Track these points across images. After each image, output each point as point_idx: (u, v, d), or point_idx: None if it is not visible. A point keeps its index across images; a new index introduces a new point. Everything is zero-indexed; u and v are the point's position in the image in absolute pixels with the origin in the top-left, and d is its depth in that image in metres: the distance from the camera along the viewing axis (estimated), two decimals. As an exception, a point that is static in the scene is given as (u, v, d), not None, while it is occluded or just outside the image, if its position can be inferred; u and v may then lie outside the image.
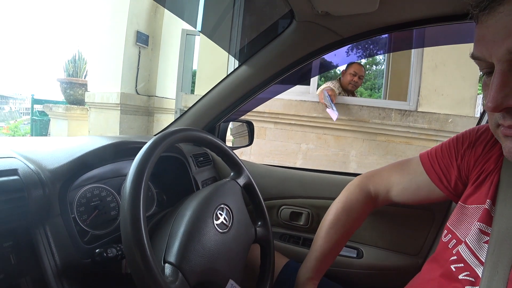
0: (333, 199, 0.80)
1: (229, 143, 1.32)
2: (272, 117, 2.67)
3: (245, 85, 0.96)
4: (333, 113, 2.31)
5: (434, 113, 2.40)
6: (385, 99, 3.51)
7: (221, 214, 0.58)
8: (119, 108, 4.11)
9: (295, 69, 0.92)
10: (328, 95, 2.38)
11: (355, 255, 0.97)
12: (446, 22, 0.79)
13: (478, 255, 0.47)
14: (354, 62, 2.67)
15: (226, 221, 0.58)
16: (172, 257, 0.47)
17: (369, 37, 0.85)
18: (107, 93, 4.22)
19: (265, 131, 2.71)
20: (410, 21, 0.80)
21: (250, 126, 1.24)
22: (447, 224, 0.57)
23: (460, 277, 0.48)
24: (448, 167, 0.62)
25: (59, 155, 0.60)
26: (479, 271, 0.46)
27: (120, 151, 0.68)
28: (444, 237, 0.56)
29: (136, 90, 4.32)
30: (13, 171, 0.48)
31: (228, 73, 0.99)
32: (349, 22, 0.80)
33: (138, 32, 4.27)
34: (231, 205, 0.62)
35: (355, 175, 1.06)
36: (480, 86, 2.51)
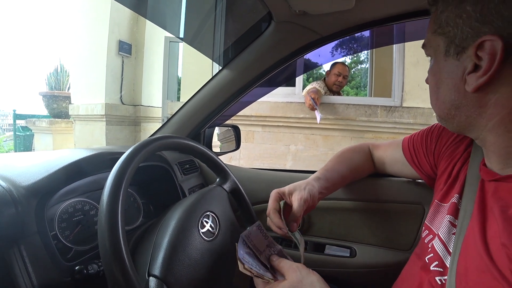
0: (324, 199, 0.79)
1: (216, 149, 1.30)
2: (259, 120, 2.67)
3: (228, 89, 0.94)
4: (318, 116, 2.32)
5: (419, 107, 2.43)
6: (371, 96, 3.55)
7: (206, 222, 0.56)
8: (104, 119, 4.04)
9: (277, 70, 0.91)
10: (312, 98, 2.38)
11: (348, 255, 0.96)
12: (422, 17, 0.80)
13: (448, 246, 0.49)
14: (338, 62, 2.68)
15: (213, 228, 0.56)
16: (156, 270, 0.45)
17: (348, 35, 0.85)
18: (92, 104, 4.14)
19: (253, 134, 2.70)
20: (387, 17, 0.80)
21: (236, 130, 1.22)
22: (425, 221, 0.61)
23: (431, 268, 0.50)
24: (418, 148, 0.71)
25: (35, 170, 0.58)
26: (447, 261, 0.47)
27: (99, 162, 0.66)
28: (423, 233, 0.60)
29: (121, 100, 4.25)
30: (-19, 190, 0.45)
31: (210, 79, 0.98)
32: (327, 21, 0.80)
33: (120, 42, 4.21)
34: (217, 211, 0.60)
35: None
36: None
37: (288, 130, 2.63)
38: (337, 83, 2.62)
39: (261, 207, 1.02)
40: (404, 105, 2.50)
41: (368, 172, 0.88)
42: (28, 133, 5.53)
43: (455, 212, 0.52)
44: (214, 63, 2.89)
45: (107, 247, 0.38)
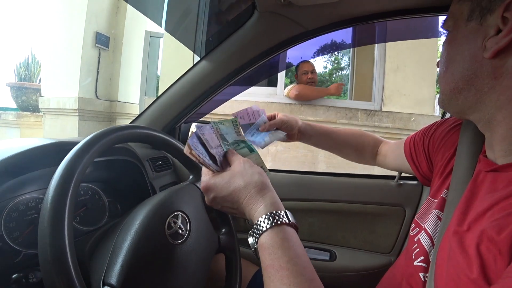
0: (305, 200, 0.76)
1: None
2: (240, 120, 2.61)
3: (206, 82, 0.89)
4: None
5: (398, 112, 2.47)
6: (351, 100, 3.60)
7: (175, 223, 0.50)
8: (77, 114, 3.83)
9: (258, 64, 0.87)
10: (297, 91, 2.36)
11: (328, 258, 0.93)
12: (409, 15, 0.78)
13: (434, 240, 0.49)
14: (300, 63, 2.69)
15: (182, 230, 0.50)
16: (112, 278, 0.39)
17: (334, 30, 0.82)
18: (64, 98, 3.92)
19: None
20: (374, 14, 0.78)
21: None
22: (415, 218, 0.59)
23: (415, 263, 0.50)
24: (418, 145, 0.70)
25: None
26: (431, 256, 0.46)
27: (57, 152, 0.58)
28: (412, 231, 0.58)
29: (96, 94, 4.05)
30: None
31: (187, 70, 0.91)
32: (313, 13, 0.76)
33: (97, 33, 4.02)
34: (189, 211, 0.54)
35: (326, 174, 1.04)
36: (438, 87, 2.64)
37: (269, 130, 2.59)
38: (309, 80, 2.62)
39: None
40: (383, 109, 2.53)
41: (366, 158, 0.88)
42: (-8, 127, 5.17)
43: (442, 206, 0.51)
44: (195, 60, 2.81)
45: (48, 256, 0.32)
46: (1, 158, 0.51)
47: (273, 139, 0.80)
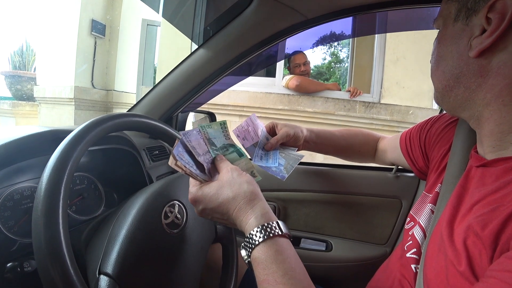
0: (300, 190, 0.76)
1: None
2: (237, 110, 2.59)
3: (203, 71, 0.87)
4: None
5: (396, 105, 2.47)
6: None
7: (171, 212, 0.50)
8: (73, 103, 3.79)
9: (257, 53, 0.85)
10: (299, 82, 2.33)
11: (324, 248, 0.93)
12: (411, 5, 0.77)
13: (426, 232, 0.50)
14: (291, 55, 2.65)
15: (178, 219, 0.50)
16: (108, 267, 0.38)
17: (334, 19, 0.81)
18: (60, 87, 3.86)
19: (229, 124, 2.61)
20: (375, 3, 0.77)
21: (212, 117, 1.15)
22: (410, 212, 0.60)
23: (408, 255, 0.50)
24: (414, 140, 0.70)
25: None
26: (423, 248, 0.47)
27: (53, 140, 0.57)
28: (407, 224, 0.59)
29: (92, 83, 4.00)
30: None
31: (184, 58, 0.90)
32: (313, 1, 0.75)
33: (93, 21, 3.94)
34: (185, 201, 0.54)
35: (320, 165, 1.03)
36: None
37: (266, 121, 2.55)
38: (302, 72, 2.60)
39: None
40: (382, 101, 2.53)
41: (366, 157, 0.89)
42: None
43: (436, 200, 0.51)
44: (192, 48, 2.77)
45: (42, 245, 0.31)
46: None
47: (292, 163, 0.73)
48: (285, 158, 0.76)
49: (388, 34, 2.59)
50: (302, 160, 0.79)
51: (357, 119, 2.48)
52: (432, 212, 0.51)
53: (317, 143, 0.84)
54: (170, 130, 0.59)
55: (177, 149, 0.44)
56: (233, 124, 2.63)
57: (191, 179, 0.47)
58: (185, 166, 0.43)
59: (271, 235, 0.39)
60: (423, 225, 0.52)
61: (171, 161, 0.43)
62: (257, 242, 0.39)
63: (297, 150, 0.80)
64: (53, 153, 0.58)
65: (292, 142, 0.79)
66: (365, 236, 0.95)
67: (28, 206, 0.59)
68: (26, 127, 0.67)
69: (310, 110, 2.46)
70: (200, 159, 0.46)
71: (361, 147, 0.88)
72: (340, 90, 2.65)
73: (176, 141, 0.45)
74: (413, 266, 0.48)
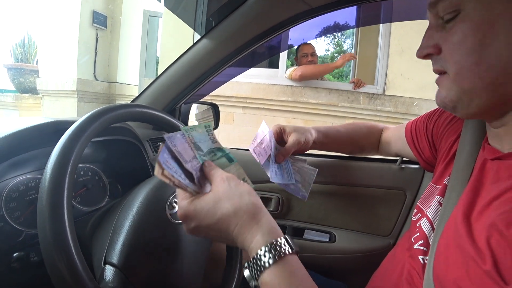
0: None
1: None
2: (240, 102, 2.58)
3: (206, 61, 0.86)
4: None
5: (400, 96, 2.45)
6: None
7: (176, 203, 0.49)
8: (76, 95, 3.79)
9: (261, 42, 0.84)
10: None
11: (327, 240, 0.94)
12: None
13: (434, 225, 0.49)
14: (300, 45, 2.63)
15: (183, 210, 0.50)
16: (114, 257, 0.39)
17: (339, 8, 0.79)
18: (62, 79, 3.86)
19: (232, 116, 2.62)
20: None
21: (215, 108, 1.15)
22: (418, 203, 0.59)
23: (415, 246, 0.50)
24: (420, 130, 0.69)
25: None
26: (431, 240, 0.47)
27: (54, 132, 0.57)
28: (414, 216, 0.58)
29: (94, 76, 4.00)
30: None
31: (188, 48, 0.89)
32: (318, -11, 0.73)
33: (94, 12, 3.91)
34: (190, 191, 0.54)
35: (325, 156, 1.03)
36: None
37: (269, 112, 2.57)
38: (309, 62, 2.58)
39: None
40: (386, 93, 2.50)
41: (369, 150, 0.87)
42: (-10, 109, 5.12)
43: (444, 192, 0.50)
44: (195, 39, 2.75)
45: (48, 236, 0.31)
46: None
47: (308, 180, 0.69)
48: (299, 172, 0.71)
49: (393, 25, 2.55)
50: (307, 152, 0.78)
51: (361, 110, 2.46)
52: (440, 204, 0.50)
53: (324, 143, 0.81)
54: (173, 120, 0.59)
55: (163, 156, 0.39)
56: (236, 115, 2.63)
57: (179, 191, 0.41)
58: (173, 176, 0.38)
59: (282, 254, 0.34)
60: (431, 218, 0.51)
61: (157, 171, 0.38)
62: (267, 265, 0.34)
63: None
64: (56, 145, 0.58)
65: (303, 148, 0.75)
66: (368, 228, 0.95)
67: (33, 197, 0.59)
68: (29, 118, 0.67)
69: (313, 102, 2.44)
70: (188, 166, 0.41)
71: (365, 140, 0.86)
72: (344, 64, 2.60)
73: (160, 146, 0.41)
74: (420, 257, 0.47)
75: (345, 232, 0.95)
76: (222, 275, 0.61)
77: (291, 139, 0.72)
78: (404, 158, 0.88)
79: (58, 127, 0.58)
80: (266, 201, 0.97)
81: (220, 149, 0.48)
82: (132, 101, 0.97)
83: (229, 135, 2.61)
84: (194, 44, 0.87)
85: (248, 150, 1.06)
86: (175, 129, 0.60)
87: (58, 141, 0.38)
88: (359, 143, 0.86)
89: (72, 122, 0.60)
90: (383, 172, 0.94)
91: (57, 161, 0.35)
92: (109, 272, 0.37)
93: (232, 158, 0.48)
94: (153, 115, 0.54)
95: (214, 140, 0.47)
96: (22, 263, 0.41)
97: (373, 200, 0.94)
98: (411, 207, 0.91)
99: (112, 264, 0.38)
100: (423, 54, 0.46)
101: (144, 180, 0.55)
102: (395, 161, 0.94)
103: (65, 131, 0.56)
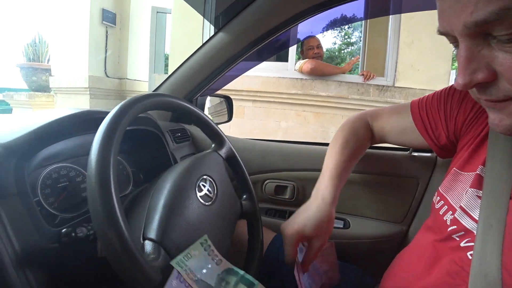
0: (319, 170, 0.77)
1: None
2: (250, 95, 2.61)
3: (223, 54, 0.89)
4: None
5: (411, 88, 2.44)
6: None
7: (204, 186, 0.53)
8: (88, 92, 3.87)
9: (276, 35, 0.86)
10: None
11: (341, 226, 0.96)
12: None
13: (479, 221, 0.45)
14: (304, 39, 2.63)
15: (210, 193, 0.53)
16: (152, 233, 0.42)
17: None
18: (74, 77, 3.94)
19: (243, 109, 2.65)
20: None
21: (228, 101, 1.18)
22: (439, 189, 0.56)
23: (463, 244, 0.46)
24: (435, 116, 0.61)
25: (12, 129, 0.53)
26: (477, 236, 0.44)
27: (86, 121, 0.60)
28: (437, 204, 0.55)
29: (105, 72, 4.06)
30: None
31: (204, 42, 0.91)
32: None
33: (103, 10, 3.97)
34: (215, 176, 0.57)
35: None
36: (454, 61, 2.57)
37: (279, 106, 2.59)
38: (315, 55, 2.59)
39: (255, 178, 1.00)
40: (396, 85, 2.50)
41: (367, 146, 0.81)
42: (6, 108, 5.25)
43: (479, 184, 0.47)
44: (204, 34, 2.77)
45: (99, 209, 0.34)
46: (36, 126, 0.53)
47: (331, 260, 0.65)
48: (323, 259, 0.65)
49: (403, 16, 2.53)
50: (324, 138, 0.79)
51: (371, 103, 2.46)
52: (479, 197, 0.46)
53: (342, 180, 0.72)
54: (197, 110, 0.61)
55: None
56: (247, 109, 2.65)
57: None
58: None
59: None
60: (470, 212, 0.47)
61: None
62: None
63: None
64: (88, 133, 0.61)
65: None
66: (381, 215, 0.97)
67: (65, 184, 0.63)
68: (58, 109, 0.71)
69: (323, 94, 2.45)
70: None
71: (364, 142, 0.77)
72: (351, 67, 2.62)
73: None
74: (469, 253, 0.44)
75: (358, 218, 0.97)
76: (244, 257, 0.64)
77: (315, 245, 0.61)
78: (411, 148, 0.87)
79: (88, 116, 0.62)
80: (281, 189, 1.00)
81: (230, 271, 0.40)
82: (154, 91, 1.00)
83: (240, 128, 2.64)
84: (211, 38, 0.90)
85: (264, 140, 1.09)
86: (200, 119, 0.62)
87: (102, 124, 0.41)
88: (361, 150, 0.79)
89: (102, 112, 0.64)
90: (396, 160, 0.95)
91: (103, 139, 0.38)
92: (148, 246, 0.40)
93: (252, 281, 0.40)
94: (180, 105, 0.57)
95: (216, 258, 0.40)
96: (70, 238, 0.44)
97: (386, 188, 0.96)
98: (424, 195, 0.93)
99: (150, 239, 0.41)
100: (473, 83, 0.35)
101: (169, 168, 0.58)
102: (407, 149, 0.95)
103: (95, 120, 0.59)
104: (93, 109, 0.64)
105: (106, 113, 0.64)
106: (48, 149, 0.58)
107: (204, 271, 0.38)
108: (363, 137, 0.76)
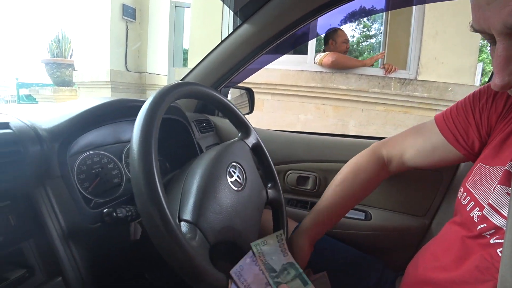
0: (340, 161, 0.78)
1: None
2: (269, 88, 2.61)
3: (247, 46, 0.90)
4: None
5: (434, 81, 2.36)
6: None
7: (234, 172, 0.54)
8: (110, 86, 3.98)
9: (300, 27, 0.86)
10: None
11: (363, 217, 0.96)
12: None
13: (509, 219, 0.44)
14: (339, 31, 2.59)
15: (240, 179, 0.55)
16: (188, 215, 0.44)
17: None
18: (96, 71, 4.06)
19: (262, 103, 2.65)
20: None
21: (250, 93, 1.19)
22: (465, 184, 0.55)
23: (492, 241, 0.46)
24: (465, 124, 0.59)
25: (54, 115, 0.56)
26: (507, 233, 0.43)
27: (119, 109, 0.63)
28: (464, 200, 0.54)
29: (126, 66, 4.16)
30: (4, 125, 0.43)
31: (229, 33, 0.92)
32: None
33: (124, 5, 4.05)
34: (243, 163, 0.58)
35: (360, 137, 1.04)
36: (486, 54, 2.47)
37: (298, 99, 2.58)
38: (346, 49, 2.57)
39: (277, 169, 1.01)
40: (419, 78, 2.43)
41: (380, 178, 0.76)
42: (32, 102, 5.49)
43: (508, 181, 0.46)
44: (223, 27, 2.79)
45: (143, 190, 0.37)
46: (76, 113, 0.57)
47: None
48: None
49: (427, 7, 2.45)
50: (343, 132, 0.79)
51: (392, 96, 2.41)
52: (508, 194, 0.46)
53: (327, 223, 0.70)
54: (226, 101, 0.63)
55: None
56: (266, 102, 2.65)
57: None
58: None
59: None
60: (500, 210, 0.46)
61: None
62: None
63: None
64: (122, 120, 0.64)
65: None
66: (403, 208, 0.96)
67: (98, 170, 0.67)
68: (91, 98, 0.74)
69: (343, 88, 2.42)
70: None
71: (373, 173, 0.73)
72: (373, 63, 2.58)
73: (230, 283, 0.39)
74: (498, 250, 0.44)
75: (380, 211, 0.97)
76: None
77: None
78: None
79: (123, 104, 0.65)
80: (303, 180, 1.01)
81: (292, 264, 0.45)
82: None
83: (259, 122, 2.65)
84: (235, 30, 0.91)
85: (286, 131, 1.09)
86: (228, 108, 0.64)
87: (141, 109, 0.43)
88: (370, 183, 0.74)
89: (135, 100, 0.67)
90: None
91: (143, 126, 0.40)
92: (184, 227, 0.42)
93: (307, 281, 0.45)
94: (210, 94, 0.58)
95: (285, 252, 0.46)
96: (111, 217, 0.47)
97: (408, 181, 0.95)
98: (448, 189, 0.91)
99: (187, 221, 0.43)
100: (511, 84, 0.35)
101: (197, 156, 0.60)
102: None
103: (129, 108, 0.62)
104: (126, 98, 0.67)
105: (138, 101, 0.67)
106: (83, 137, 0.62)
107: (274, 257, 0.44)
108: (370, 171, 0.73)
